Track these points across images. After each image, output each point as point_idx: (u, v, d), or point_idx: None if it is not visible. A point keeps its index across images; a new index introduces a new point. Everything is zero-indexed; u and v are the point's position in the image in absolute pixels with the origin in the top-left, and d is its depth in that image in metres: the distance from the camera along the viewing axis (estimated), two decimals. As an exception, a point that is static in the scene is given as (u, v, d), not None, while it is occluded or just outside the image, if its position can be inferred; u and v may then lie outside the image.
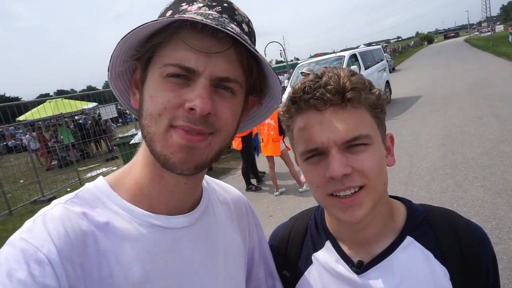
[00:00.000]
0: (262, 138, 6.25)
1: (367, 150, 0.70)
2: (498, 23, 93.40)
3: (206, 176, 0.83)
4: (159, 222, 0.67)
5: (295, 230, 0.93)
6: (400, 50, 65.08)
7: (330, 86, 0.69)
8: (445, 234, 0.78)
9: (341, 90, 0.68)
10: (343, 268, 0.80)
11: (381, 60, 13.46)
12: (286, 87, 12.80)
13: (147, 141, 0.64)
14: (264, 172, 7.29)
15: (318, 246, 0.86)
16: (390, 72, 20.25)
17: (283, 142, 6.17)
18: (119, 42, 0.60)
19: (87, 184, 0.69)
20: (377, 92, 0.73)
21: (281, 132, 6.04)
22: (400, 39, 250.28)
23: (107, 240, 0.61)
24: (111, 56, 0.64)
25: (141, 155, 0.70)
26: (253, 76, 0.68)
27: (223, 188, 0.89)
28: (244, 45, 0.61)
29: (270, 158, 6.23)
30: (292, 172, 6.10)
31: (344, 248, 0.82)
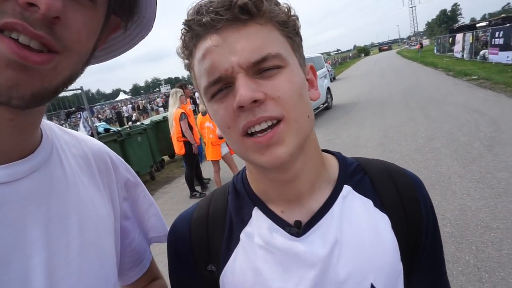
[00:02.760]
0: (204, 142, 6.06)
1: (281, 74, 0.56)
2: (425, 37, 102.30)
3: (52, 123, 0.64)
4: None
5: (214, 208, 0.73)
6: (340, 62, 68.50)
7: None
8: (381, 179, 0.70)
9: (237, 0, 0.54)
10: (278, 235, 0.65)
11: (322, 68, 13.91)
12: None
13: None
14: (209, 179, 7.07)
15: (245, 218, 0.69)
16: (331, 81, 21.15)
17: (227, 145, 6.01)
18: None
19: None
20: (285, 8, 0.60)
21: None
22: (339, 51, 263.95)
23: None
24: None
25: None
26: None
27: (78, 139, 0.69)
28: None
29: (215, 163, 6.04)
30: (237, 176, 5.96)
31: (277, 211, 0.67)
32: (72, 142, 0.66)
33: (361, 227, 0.65)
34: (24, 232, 0.50)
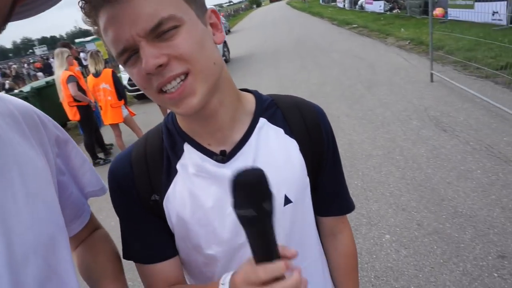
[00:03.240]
0: (100, 106, 5.65)
1: (179, 32, 0.61)
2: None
3: None
4: None
5: (150, 146, 0.80)
6: (233, 14, 67.76)
7: None
8: (291, 112, 0.83)
9: None
10: (207, 164, 0.75)
11: (216, 20, 13.65)
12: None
13: None
14: (111, 144, 6.71)
15: (179, 153, 0.77)
16: (227, 34, 21.06)
17: (126, 107, 5.73)
18: None
19: None
20: None
21: (121, 96, 5.58)
22: (231, 3, 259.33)
23: None
24: None
25: None
26: None
27: (1, 98, 0.67)
28: None
29: (115, 126, 5.73)
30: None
31: (205, 144, 0.76)
32: None
33: (274, 151, 0.78)
34: None
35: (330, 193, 0.90)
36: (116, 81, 5.54)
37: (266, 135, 0.79)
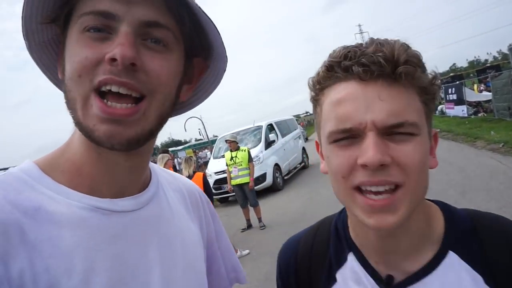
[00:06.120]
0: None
1: (412, 141, 0.56)
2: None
3: (151, 163, 0.75)
4: (104, 205, 0.57)
5: (317, 244, 0.76)
6: (311, 123, 71.32)
7: (381, 53, 0.55)
8: (499, 249, 0.61)
9: (394, 60, 0.55)
10: (369, 285, 0.65)
11: (295, 129, 14.50)
12: (209, 159, 12.92)
13: (69, 110, 0.55)
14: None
15: (341, 259, 0.71)
16: (305, 142, 21.93)
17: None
18: None
19: (10, 169, 0.57)
20: (431, 75, 0.60)
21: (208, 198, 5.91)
22: (308, 113, 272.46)
23: (39, 228, 0.51)
24: (22, 18, 0.54)
25: (77, 133, 0.59)
26: (187, 26, 0.59)
27: (173, 176, 0.81)
28: None
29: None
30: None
31: (371, 260, 0.67)
32: (169, 179, 0.77)
33: None
34: (145, 250, 0.60)
35: None
36: (206, 183, 5.97)
37: (455, 279, 0.60)
